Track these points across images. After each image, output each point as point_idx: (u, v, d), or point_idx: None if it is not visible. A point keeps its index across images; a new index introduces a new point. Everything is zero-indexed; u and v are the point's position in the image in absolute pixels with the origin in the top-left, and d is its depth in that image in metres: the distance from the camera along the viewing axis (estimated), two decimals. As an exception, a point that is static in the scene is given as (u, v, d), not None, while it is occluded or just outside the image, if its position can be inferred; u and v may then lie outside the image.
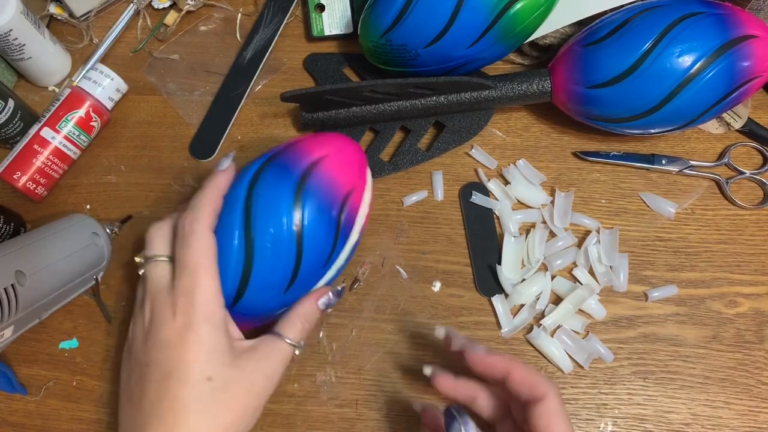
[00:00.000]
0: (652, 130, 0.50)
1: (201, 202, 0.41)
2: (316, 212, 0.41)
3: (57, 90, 0.62)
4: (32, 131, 0.55)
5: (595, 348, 0.48)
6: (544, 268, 0.51)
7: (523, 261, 0.51)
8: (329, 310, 0.45)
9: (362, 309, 0.51)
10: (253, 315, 0.43)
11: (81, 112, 0.55)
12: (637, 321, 0.49)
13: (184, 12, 0.62)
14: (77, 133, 0.55)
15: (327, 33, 0.60)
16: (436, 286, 0.51)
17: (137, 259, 0.42)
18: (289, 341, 0.41)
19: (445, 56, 0.51)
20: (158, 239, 0.42)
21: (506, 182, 0.54)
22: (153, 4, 0.63)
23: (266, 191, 0.41)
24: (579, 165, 0.54)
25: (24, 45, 0.56)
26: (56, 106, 0.55)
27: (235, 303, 0.41)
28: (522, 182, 0.53)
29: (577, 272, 0.50)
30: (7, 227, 0.51)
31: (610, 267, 0.50)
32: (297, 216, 0.40)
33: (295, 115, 0.58)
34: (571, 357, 0.49)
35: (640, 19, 0.47)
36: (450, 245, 0.53)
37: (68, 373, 0.51)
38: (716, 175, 0.53)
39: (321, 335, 0.51)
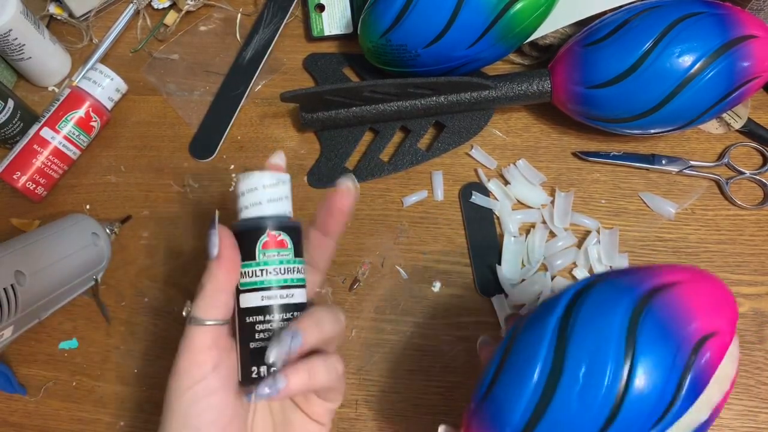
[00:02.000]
0: (652, 131, 0.50)
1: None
2: (655, 342, 0.30)
3: (57, 90, 0.62)
4: (32, 131, 0.55)
5: (595, 348, 0.48)
6: (544, 268, 0.51)
7: (522, 261, 0.51)
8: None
9: (362, 309, 0.51)
10: None
11: (81, 112, 0.55)
12: (637, 321, 0.49)
13: (183, 12, 0.62)
14: (77, 133, 0.55)
15: (327, 33, 0.60)
16: (436, 286, 0.51)
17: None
18: None
19: (445, 56, 0.51)
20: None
21: (506, 182, 0.54)
22: (153, 4, 0.63)
23: (589, 311, 0.32)
24: (579, 165, 0.54)
25: (24, 45, 0.56)
26: (56, 106, 0.55)
27: None
28: (522, 182, 0.53)
29: (577, 272, 0.50)
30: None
31: (610, 267, 0.50)
32: (629, 344, 0.30)
33: (295, 115, 0.58)
34: (571, 357, 0.48)
35: (640, 20, 0.47)
36: (450, 245, 0.53)
37: (68, 373, 0.51)
38: (716, 175, 0.53)
39: (321, 335, 0.51)
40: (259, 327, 0.32)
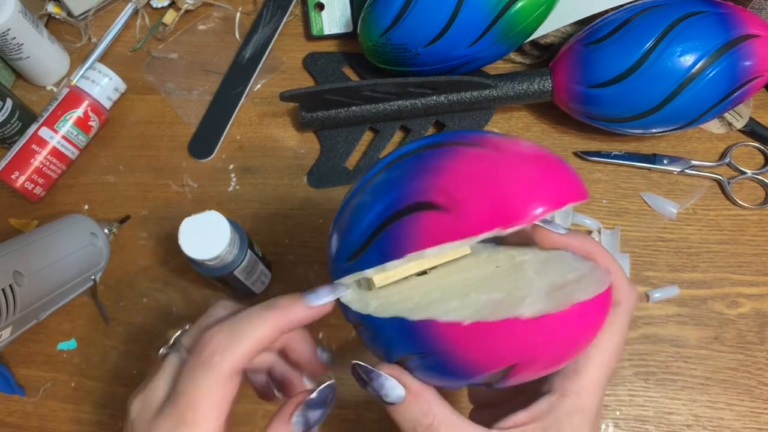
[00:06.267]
0: (654, 130, 0.50)
1: (247, 336, 0.29)
2: None
3: (55, 89, 0.61)
4: (30, 131, 0.54)
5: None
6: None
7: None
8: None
9: (362, 310, 0.51)
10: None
11: (79, 112, 0.55)
12: (638, 322, 0.49)
13: (182, 11, 0.62)
14: (75, 132, 0.55)
15: (326, 32, 0.60)
16: (437, 287, 0.51)
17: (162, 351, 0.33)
18: None
19: (446, 55, 0.50)
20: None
21: (507, 182, 0.53)
22: (151, 3, 0.63)
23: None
24: (580, 165, 0.54)
25: (22, 44, 0.56)
26: (54, 105, 0.55)
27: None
28: (522, 182, 0.53)
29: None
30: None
31: (611, 267, 0.50)
32: None
33: (295, 114, 0.58)
34: (571, 358, 0.48)
35: (641, 19, 0.47)
36: (450, 245, 0.52)
37: (66, 374, 0.51)
38: (718, 175, 0.53)
39: (320, 336, 0.50)
40: None
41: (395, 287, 0.30)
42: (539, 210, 0.25)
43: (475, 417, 0.33)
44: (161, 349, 0.32)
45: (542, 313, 0.25)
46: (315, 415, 0.29)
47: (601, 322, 0.27)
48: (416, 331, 0.27)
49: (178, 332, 0.32)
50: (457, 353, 0.26)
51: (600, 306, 0.26)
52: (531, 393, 0.30)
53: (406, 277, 0.30)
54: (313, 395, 0.29)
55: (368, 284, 0.30)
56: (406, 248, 0.27)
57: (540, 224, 0.30)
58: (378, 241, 0.28)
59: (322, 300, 0.30)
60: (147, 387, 0.31)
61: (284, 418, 0.29)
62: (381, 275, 0.30)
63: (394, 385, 0.28)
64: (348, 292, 0.30)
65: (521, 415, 0.29)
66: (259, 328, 0.29)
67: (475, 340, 0.26)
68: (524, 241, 0.32)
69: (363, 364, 0.29)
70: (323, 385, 0.30)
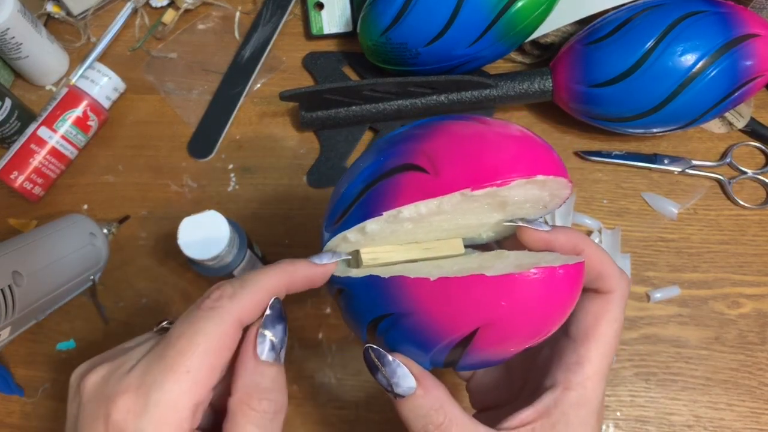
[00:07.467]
0: (654, 130, 0.50)
1: (255, 283, 0.28)
2: None
3: (54, 89, 0.61)
4: (29, 131, 0.54)
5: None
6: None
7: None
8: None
9: (362, 310, 0.51)
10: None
11: (78, 112, 0.55)
12: (639, 322, 0.49)
13: (182, 10, 0.62)
14: (74, 132, 0.55)
15: (326, 31, 0.60)
16: (437, 287, 0.51)
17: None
18: None
19: (446, 55, 0.50)
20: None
21: (507, 182, 0.53)
22: (151, 2, 0.63)
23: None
24: (581, 165, 0.54)
25: (21, 44, 0.55)
26: (53, 105, 0.55)
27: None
28: (523, 182, 0.53)
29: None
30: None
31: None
32: None
33: (295, 114, 0.58)
34: (572, 358, 0.48)
35: (642, 18, 0.47)
36: (450, 245, 0.52)
37: (65, 374, 0.51)
38: (719, 175, 0.53)
39: (320, 336, 0.50)
40: None
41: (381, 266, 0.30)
42: (512, 175, 0.26)
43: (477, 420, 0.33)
44: (157, 326, 0.31)
45: (505, 272, 0.26)
46: (278, 333, 0.28)
47: (570, 297, 0.27)
48: (387, 288, 0.27)
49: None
50: (422, 311, 0.27)
51: (568, 277, 0.27)
52: (534, 390, 0.30)
53: (395, 263, 0.30)
54: (267, 312, 0.28)
55: (357, 263, 0.31)
56: (384, 206, 0.28)
57: (523, 224, 0.30)
58: (361, 201, 0.29)
59: (324, 261, 0.30)
60: (114, 357, 0.27)
61: (249, 355, 0.27)
62: (368, 250, 0.30)
63: (406, 373, 0.28)
64: (340, 263, 0.31)
65: (527, 413, 0.28)
66: (269, 278, 0.28)
67: (441, 296, 0.26)
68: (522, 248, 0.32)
69: (376, 347, 0.28)
70: (271, 300, 0.28)
